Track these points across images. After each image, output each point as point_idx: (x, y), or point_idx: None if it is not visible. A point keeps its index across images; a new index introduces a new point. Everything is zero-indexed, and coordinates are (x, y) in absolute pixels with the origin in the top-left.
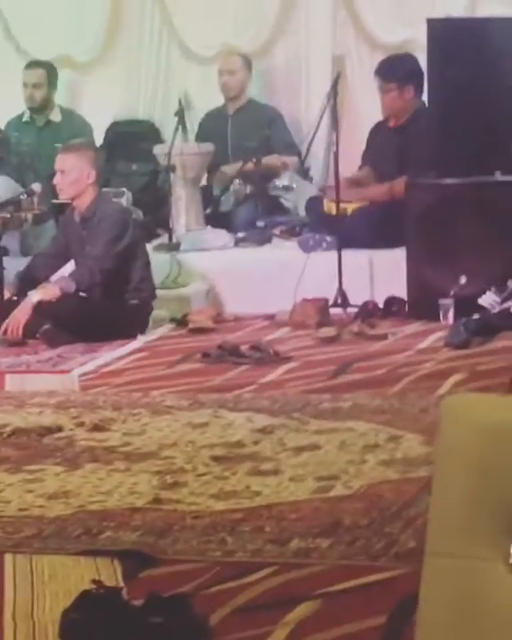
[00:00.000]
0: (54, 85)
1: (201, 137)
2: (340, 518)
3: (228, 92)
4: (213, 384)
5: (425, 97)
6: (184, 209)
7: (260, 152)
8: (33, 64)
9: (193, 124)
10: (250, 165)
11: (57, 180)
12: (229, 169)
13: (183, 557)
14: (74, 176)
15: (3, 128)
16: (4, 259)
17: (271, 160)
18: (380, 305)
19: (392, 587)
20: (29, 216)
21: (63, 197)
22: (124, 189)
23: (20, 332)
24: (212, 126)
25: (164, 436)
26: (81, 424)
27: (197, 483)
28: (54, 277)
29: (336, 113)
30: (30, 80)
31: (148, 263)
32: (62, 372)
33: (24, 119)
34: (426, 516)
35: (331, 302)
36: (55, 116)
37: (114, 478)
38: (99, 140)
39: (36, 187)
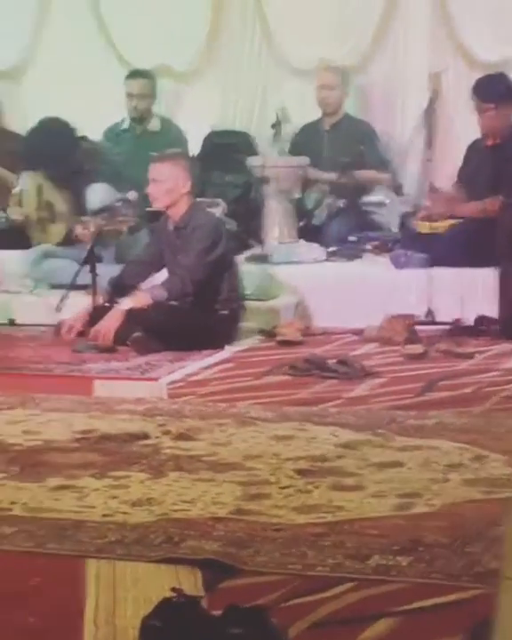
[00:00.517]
0: (155, 95)
1: (296, 150)
2: (421, 536)
3: (325, 107)
4: (299, 397)
5: None
6: (277, 221)
7: (353, 167)
8: (137, 74)
9: (289, 137)
10: (343, 180)
11: (151, 188)
12: (323, 183)
13: (263, 569)
14: (168, 185)
15: (101, 136)
16: (98, 265)
17: (365, 175)
18: (470, 323)
19: (471, 607)
20: (124, 225)
21: (157, 206)
22: (219, 200)
23: (111, 338)
24: (307, 139)
25: (248, 447)
26: (167, 432)
27: (280, 495)
28: (146, 285)
29: (431, 130)
30: (135, 90)
31: (238, 274)
32: (151, 379)
33: (122, 127)
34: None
35: (419, 319)
36: (154, 126)
37: (198, 487)
38: (195, 149)
39: (132, 195)
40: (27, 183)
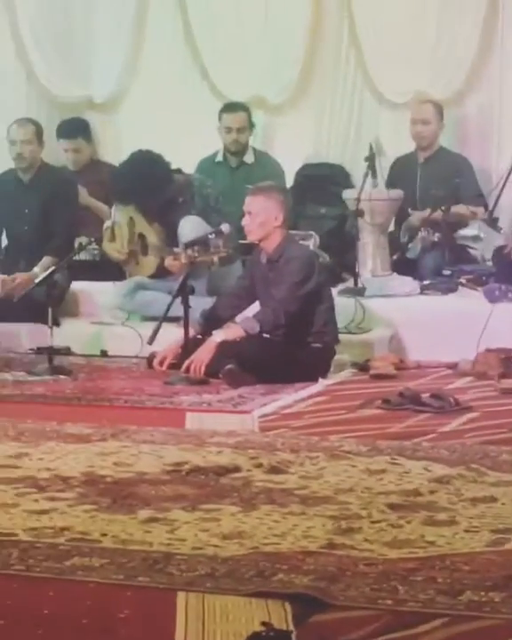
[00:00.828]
0: (252, 127)
1: (390, 182)
2: None
3: (420, 141)
4: (392, 431)
5: None
6: (371, 254)
7: (448, 200)
8: (233, 106)
9: (383, 170)
10: (438, 213)
11: (245, 221)
12: (417, 216)
13: (354, 604)
14: (262, 218)
15: (195, 168)
16: (190, 297)
17: (459, 209)
18: None
19: None
20: (216, 257)
21: (251, 239)
22: (312, 232)
23: (203, 370)
24: (401, 172)
25: (340, 480)
26: (259, 465)
27: (372, 529)
28: (239, 318)
29: None
30: (231, 123)
31: (332, 307)
32: (243, 412)
33: (217, 159)
34: None
35: None
36: (249, 158)
37: (289, 521)
38: (289, 182)
39: (225, 227)
40: (119, 216)
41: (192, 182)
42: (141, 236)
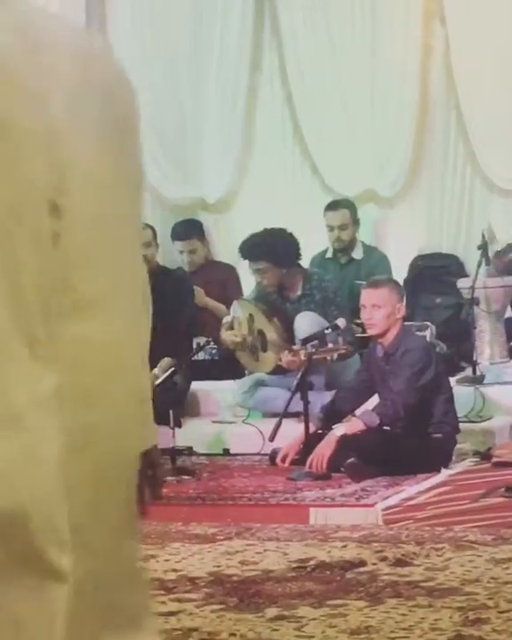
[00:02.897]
0: (358, 223)
1: (503, 270)
2: None
3: None
4: None
5: None
6: (488, 341)
7: None
8: (336, 205)
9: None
10: None
11: (368, 314)
12: None
13: None
14: (387, 310)
15: (308, 263)
16: (310, 393)
17: None
18: None
19: None
20: (336, 354)
21: (372, 332)
22: (428, 323)
23: (325, 465)
24: None
25: (466, 571)
26: (384, 558)
27: (500, 620)
28: (358, 411)
29: None
30: (335, 222)
31: (451, 397)
32: (366, 505)
33: (327, 256)
34: None
35: None
36: (357, 254)
37: (416, 614)
38: (402, 273)
39: (341, 322)
40: (240, 311)
41: (311, 276)
42: (261, 333)
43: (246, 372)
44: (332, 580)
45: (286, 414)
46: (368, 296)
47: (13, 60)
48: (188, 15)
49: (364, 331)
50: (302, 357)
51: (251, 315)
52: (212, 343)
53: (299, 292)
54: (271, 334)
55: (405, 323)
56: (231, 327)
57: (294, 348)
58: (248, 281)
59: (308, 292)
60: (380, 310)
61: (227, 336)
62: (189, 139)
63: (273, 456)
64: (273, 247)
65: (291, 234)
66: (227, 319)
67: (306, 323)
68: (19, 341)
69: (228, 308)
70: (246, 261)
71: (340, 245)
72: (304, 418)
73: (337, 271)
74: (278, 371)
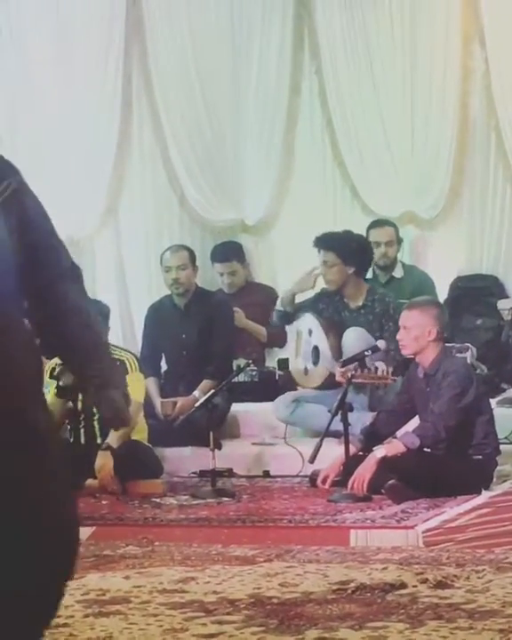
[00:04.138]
0: (401, 242)
1: None
2: None
3: None
4: None
5: None
6: None
7: None
8: (381, 222)
9: None
10: None
11: (400, 335)
12: None
13: None
14: (416, 332)
15: None
16: (351, 414)
17: None
18: None
19: None
20: (382, 382)
21: (406, 353)
22: (469, 344)
23: (365, 487)
24: None
25: (507, 593)
26: (424, 581)
27: None
28: (399, 433)
29: None
30: (380, 238)
31: (492, 418)
32: (407, 527)
33: (367, 276)
34: None
35: None
36: (398, 273)
37: (457, 636)
38: (443, 294)
39: (381, 344)
40: (303, 323)
41: (376, 289)
42: (315, 348)
43: (295, 384)
44: (373, 603)
45: (327, 434)
46: (404, 317)
47: None
48: (227, 39)
49: None
50: (343, 379)
51: (310, 330)
52: (252, 365)
53: (360, 303)
54: (325, 349)
55: (446, 344)
56: (297, 351)
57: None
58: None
59: (369, 303)
60: (409, 332)
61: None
62: (229, 161)
63: (313, 478)
64: (346, 243)
65: (368, 242)
66: (291, 338)
67: (353, 339)
68: None
69: (268, 330)
70: (289, 279)
71: (385, 262)
72: (344, 439)
73: None
74: (327, 385)
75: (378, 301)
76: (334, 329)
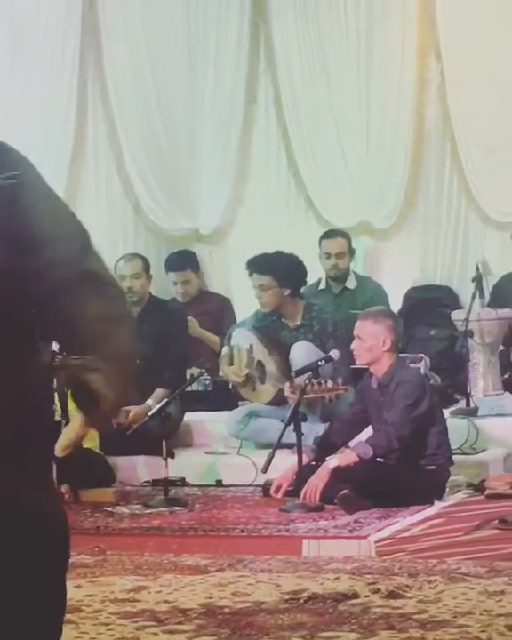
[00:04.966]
0: (353, 253)
1: (496, 301)
2: None
3: None
4: (510, 551)
5: None
6: (481, 374)
7: None
8: (334, 233)
9: (490, 289)
10: None
11: (354, 345)
12: None
13: None
14: (371, 342)
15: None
16: (304, 424)
17: None
18: None
19: None
20: (334, 394)
21: (359, 363)
22: (423, 355)
23: (318, 497)
24: (507, 290)
25: (459, 603)
26: (376, 591)
27: None
28: (352, 443)
29: None
30: (333, 250)
31: (445, 429)
32: (359, 537)
33: (320, 287)
34: None
35: None
36: (351, 283)
37: None
38: (397, 305)
39: (334, 354)
40: (240, 340)
41: (311, 306)
42: (260, 364)
43: (238, 403)
44: (325, 612)
45: (280, 445)
46: (358, 327)
47: None
48: (183, 47)
49: None
50: (296, 392)
51: (251, 345)
52: (205, 374)
53: (298, 322)
54: (270, 366)
55: (400, 355)
56: (231, 361)
57: (296, 383)
58: (242, 312)
59: (307, 322)
60: (363, 342)
61: (228, 372)
62: (184, 170)
63: (266, 487)
64: (280, 265)
65: (301, 261)
66: (225, 351)
67: (301, 353)
68: None
69: (223, 340)
70: (242, 288)
71: (336, 273)
72: (297, 449)
73: (331, 302)
74: (276, 402)
75: (315, 319)
76: (276, 347)
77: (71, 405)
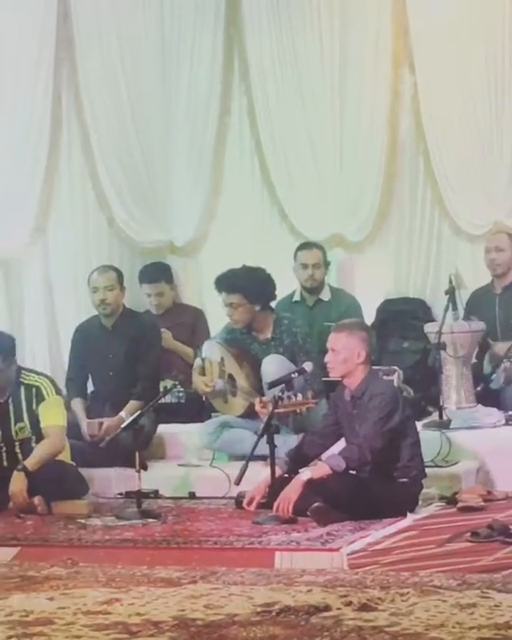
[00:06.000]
0: (328, 265)
1: (468, 314)
2: None
3: (494, 268)
4: (482, 564)
5: None
6: (454, 386)
7: None
8: (309, 245)
9: (463, 302)
10: None
11: (328, 358)
12: (500, 346)
13: None
14: (344, 354)
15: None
16: (277, 436)
17: None
18: None
19: None
20: (305, 408)
21: (333, 375)
22: (396, 367)
23: (291, 509)
24: (479, 304)
25: (431, 616)
26: (348, 603)
27: None
28: (325, 455)
29: None
30: (310, 261)
31: (417, 441)
32: (331, 550)
33: (294, 299)
34: None
35: None
36: (325, 295)
37: None
38: (370, 317)
39: (308, 366)
40: (212, 353)
41: (281, 319)
42: (231, 377)
43: (212, 414)
44: (297, 625)
45: (253, 458)
46: (331, 340)
47: None
48: (157, 59)
49: None
50: (270, 407)
51: (222, 358)
52: (179, 386)
53: (268, 336)
54: (241, 381)
55: (373, 367)
56: (203, 372)
57: (264, 398)
58: (216, 324)
59: (277, 335)
60: (337, 354)
61: (198, 382)
62: (158, 182)
63: (239, 500)
64: (249, 282)
65: (269, 275)
66: (198, 363)
67: (273, 366)
68: None
69: (196, 351)
70: (216, 300)
71: (312, 284)
72: (270, 462)
73: (305, 314)
74: (247, 415)
75: (286, 332)
76: (247, 360)
77: (43, 422)
